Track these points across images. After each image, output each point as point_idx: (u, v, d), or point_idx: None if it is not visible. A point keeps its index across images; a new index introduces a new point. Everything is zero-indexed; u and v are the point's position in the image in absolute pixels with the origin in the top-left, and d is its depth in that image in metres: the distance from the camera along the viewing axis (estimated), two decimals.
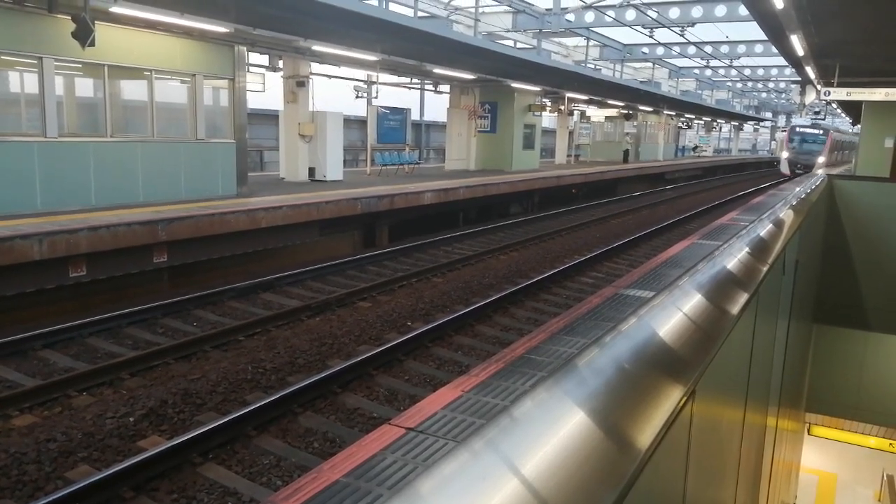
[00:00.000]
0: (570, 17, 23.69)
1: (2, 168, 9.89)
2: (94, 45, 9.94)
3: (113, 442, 5.38)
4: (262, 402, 5.83)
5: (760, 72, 38.84)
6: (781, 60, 24.07)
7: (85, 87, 11.83)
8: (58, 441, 5.31)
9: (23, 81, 10.76)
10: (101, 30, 10.20)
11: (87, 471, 4.91)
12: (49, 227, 8.85)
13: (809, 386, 13.21)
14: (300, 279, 10.92)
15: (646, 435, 1.32)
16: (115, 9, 10.24)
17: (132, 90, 12.31)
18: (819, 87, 20.33)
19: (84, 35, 9.77)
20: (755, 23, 14.90)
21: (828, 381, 13.55)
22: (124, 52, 11.39)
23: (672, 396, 1.57)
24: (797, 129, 38.67)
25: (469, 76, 20.72)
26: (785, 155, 37.57)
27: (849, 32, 13.64)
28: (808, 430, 15.64)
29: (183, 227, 10.26)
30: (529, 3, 24.02)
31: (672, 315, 2.08)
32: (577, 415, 1.22)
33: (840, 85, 18.40)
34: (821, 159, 35.14)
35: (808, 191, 9.53)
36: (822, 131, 37.18)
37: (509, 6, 23.91)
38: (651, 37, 23.70)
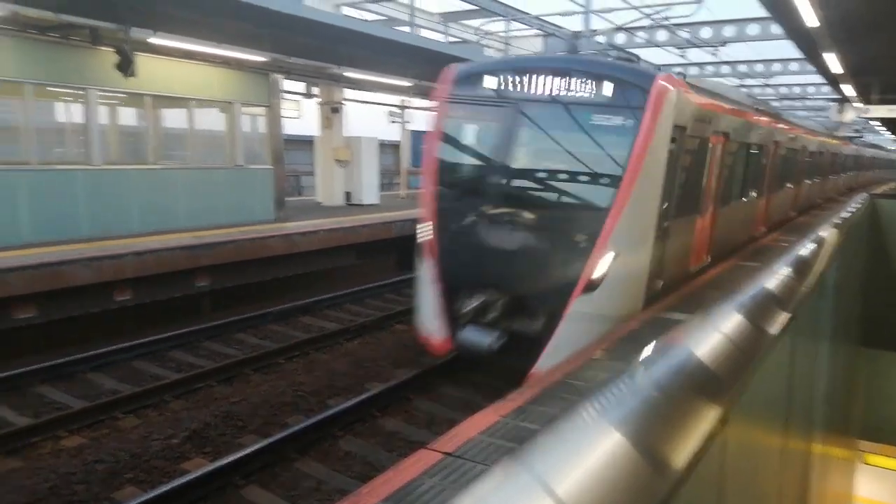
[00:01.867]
0: (601, 38, 23.67)
1: (49, 196, 10.20)
2: (134, 75, 10.27)
3: (158, 463, 5.50)
4: (303, 426, 5.91)
5: (797, 90, 37.85)
6: (818, 78, 23.70)
7: (128, 116, 12.21)
8: (105, 462, 5.45)
9: (69, 112, 11.16)
10: (142, 61, 10.54)
11: (133, 492, 5.03)
12: (95, 252, 9.11)
13: (863, 413, 12.81)
14: (338, 302, 11.05)
15: (681, 457, 1.34)
16: (153, 40, 10.57)
17: (173, 118, 12.65)
18: (858, 104, 19.96)
19: (126, 66, 10.13)
20: (789, 41, 14.76)
21: (883, 408, 13.10)
22: (164, 81, 11.74)
23: (708, 418, 1.59)
24: (470, 73, 7.62)
25: None
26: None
27: (886, 48, 13.43)
28: (864, 459, 15.11)
29: (224, 251, 10.47)
30: (559, 26, 24.11)
31: (709, 337, 2.10)
32: (612, 436, 1.25)
33: (881, 102, 18.04)
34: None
35: (851, 212, 9.35)
36: (613, 84, 6.49)
37: (540, 29, 24.02)
38: (683, 56, 23.56)
